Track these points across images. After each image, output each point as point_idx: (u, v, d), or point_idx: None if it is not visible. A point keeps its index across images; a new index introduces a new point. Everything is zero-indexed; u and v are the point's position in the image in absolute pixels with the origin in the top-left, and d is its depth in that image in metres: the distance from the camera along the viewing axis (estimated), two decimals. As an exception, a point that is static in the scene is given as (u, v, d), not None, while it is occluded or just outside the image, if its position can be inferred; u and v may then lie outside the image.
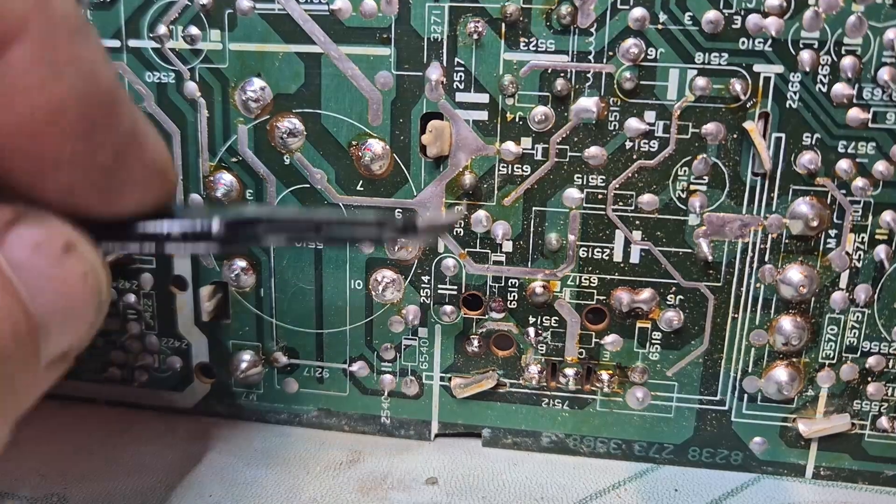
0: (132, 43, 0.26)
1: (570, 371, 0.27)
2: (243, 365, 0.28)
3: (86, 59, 0.14)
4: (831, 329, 0.26)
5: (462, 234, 0.26)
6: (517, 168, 0.25)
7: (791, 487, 0.27)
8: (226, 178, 0.26)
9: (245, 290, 0.28)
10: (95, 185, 0.15)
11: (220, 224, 0.16)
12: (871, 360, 0.26)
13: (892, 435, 0.27)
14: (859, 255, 0.25)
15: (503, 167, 0.25)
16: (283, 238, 0.18)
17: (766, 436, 0.27)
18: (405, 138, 0.25)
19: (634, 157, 0.25)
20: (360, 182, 0.26)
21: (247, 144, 0.26)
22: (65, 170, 0.15)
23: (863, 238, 0.25)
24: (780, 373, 0.26)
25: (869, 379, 0.26)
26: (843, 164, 0.24)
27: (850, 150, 0.24)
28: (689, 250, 0.25)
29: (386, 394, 0.28)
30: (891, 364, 0.26)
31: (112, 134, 0.15)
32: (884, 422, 0.26)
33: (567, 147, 0.25)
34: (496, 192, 0.26)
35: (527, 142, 0.25)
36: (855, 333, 0.26)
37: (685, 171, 0.25)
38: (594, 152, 0.25)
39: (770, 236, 0.25)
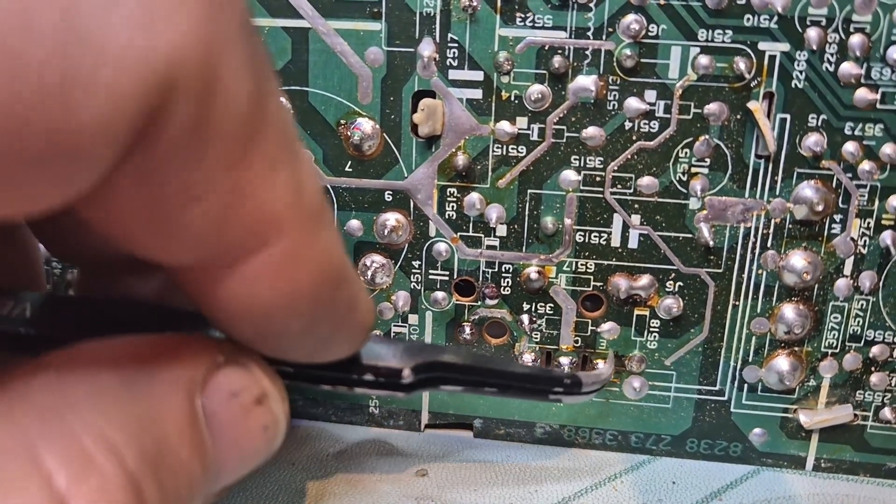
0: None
1: (565, 360, 0.26)
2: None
3: (324, 244, 0.14)
4: (835, 317, 0.25)
5: (454, 217, 0.25)
6: (512, 149, 0.25)
7: (791, 480, 0.26)
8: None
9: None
10: (307, 348, 0.16)
11: (411, 372, 0.18)
12: (874, 350, 0.25)
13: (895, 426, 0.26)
14: (865, 241, 0.24)
15: (497, 148, 0.25)
16: (461, 389, 0.19)
17: (767, 427, 0.26)
18: (396, 117, 0.25)
19: (634, 138, 0.24)
20: (349, 162, 0.25)
21: (231, 123, 0.25)
22: (285, 341, 0.15)
23: (868, 223, 0.24)
24: (782, 362, 0.25)
25: (872, 369, 0.26)
26: (850, 147, 0.23)
27: (857, 132, 0.23)
28: (690, 235, 0.25)
29: (375, 382, 0.27)
30: (894, 353, 0.25)
31: (334, 309, 0.15)
32: (887, 413, 0.26)
33: (564, 127, 0.24)
34: (490, 173, 0.25)
35: (522, 121, 0.24)
36: (859, 322, 0.25)
37: (686, 152, 0.24)
38: (592, 133, 0.24)
39: (773, 221, 0.24)
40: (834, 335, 0.25)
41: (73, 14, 0.10)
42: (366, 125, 0.25)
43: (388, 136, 0.25)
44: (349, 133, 0.25)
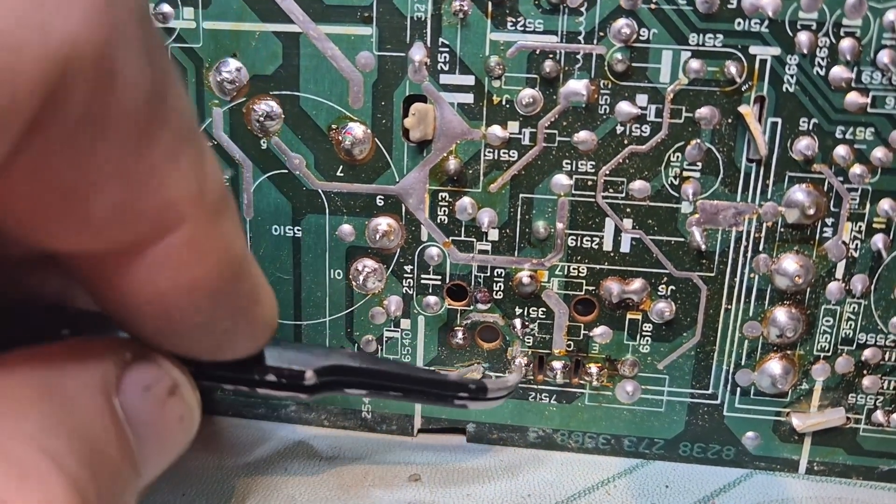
0: (101, 21, 0.24)
1: (557, 364, 0.26)
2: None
3: (225, 236, 0.15)
4: (827, 321, 0.25)
5: (446, 221, 0.25)
6: (504, 153, 0.24)
7: (784, 483, 0.26)
8: (200, 164, 0.25)
9: (220, 280, 0.26)
10: (209, 343, 0.16)
11: (313, 374, 0.18)
12: (867, 353, 0.25)
13: (888, 429, 0.26)
14: (856, 245, 0.24)
15: (489, 152, 0.24)
16: (365, 392, 0.20)
17: (759, 430, 0.26)
18: (387, 122, 0.25)
19: (625, 142, 0.24)
20: (340, 167, 0.25)
21: (222, 128, 0.25)
22: (186, 335, 0.15)
23: (860, 227, 0.24)
24: (774, 366, 0.25)
25: (864, 372, 0.26)
26: (841, 151, 0.23)
27: (847, 136, 0.23)
28: (682, 239, 0.25)
29: (367, 387, 0.27)
30: (887, 356, 0.25)
31: (235, 300, 0.15)
32: (879, 416, 0.26)
33: (556, 131, 0.24)
34: (482, 178, 0.25)
35: (514, 126, 0.24)
36: (851, 325, 0.25)
37: (678, 156, 0.24)
38: (584, 137, 0.24)
39: (765, 225, 0.24)
40: (826, 338, 0.25)
41: None
42: (357, 130, 0.24)
43: (379, 141, 0.25)
44: (340, 138, 0.25)
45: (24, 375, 0.14)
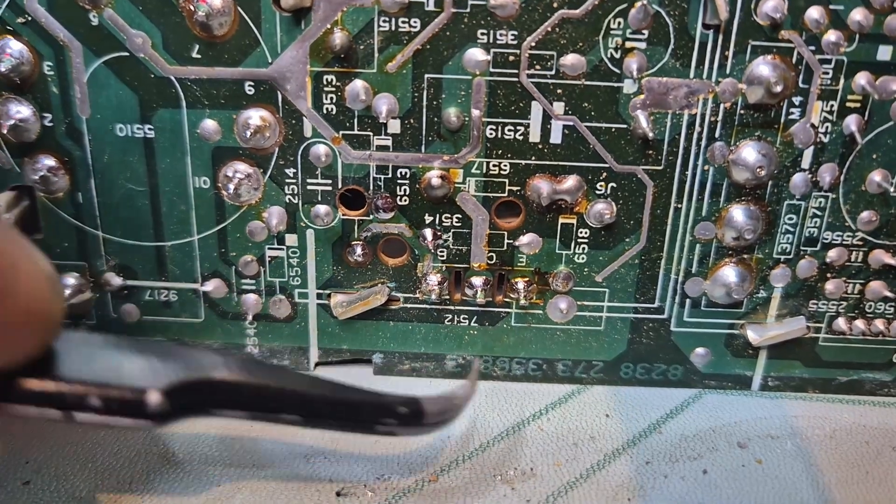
0: None
1: (477, 280, 0.23)
2: (66, 291, 0.23)
3: None
4: (789, 218, 0.22)
5: (334, 111, 0.21)
6: (403, 23, 0.20)
7: (736, 403, 0.24)
8: (13, 47, 0.20)
9: (58, 195, 0.22)
10: None
11: (161, 396, 0.13)
12: (832, 254, 0.23)
13: (850, 337, 0.24)
14: (826, 128, 0.21)
15: (385, 22, 0.20)
16: (247, 415, 0.15)
17: (710, 346, 0.24)
18: (253, -15, 0.20)
19: (555, 5, 0.20)
20: (197, 47, 0.20)
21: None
22: None
23: (832, 106, 0.21)
24: (729, 272, 0.23)
25: (828, 275, 0.23)
26: (814, 13, 0.20)
27: (823, -6, 0.20)
28: (624, 126, 0.21)
29: (251, 317, 0.23)
30: (853, 256, 0.23)
31: None
32: (841, 323, 0.24)
33: (468, -6, 0.20)
34: (377, 55, 0.20)
35: (415, -13, 0.20)
36: (816, 223, 0.22)
37: (619, 23, 0.20)
38: (503, 0, 0.19)
39: (722, 106, 0.21)
40: (788, 239, 0.22)
41: None
42: (214, -4, 0.20)
43: (243, 11, 0.20)
44: (193, 7, 0.20)
45: None
